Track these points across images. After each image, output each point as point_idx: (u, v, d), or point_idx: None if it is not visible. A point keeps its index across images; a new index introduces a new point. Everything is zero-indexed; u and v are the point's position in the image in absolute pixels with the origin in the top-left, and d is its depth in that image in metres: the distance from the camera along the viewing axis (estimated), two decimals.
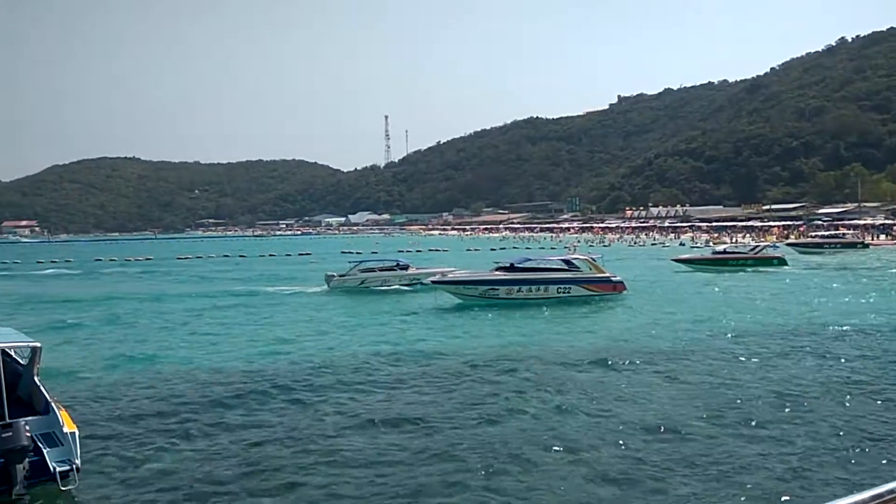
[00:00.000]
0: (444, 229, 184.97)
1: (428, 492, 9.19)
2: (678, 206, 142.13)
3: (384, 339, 21.10)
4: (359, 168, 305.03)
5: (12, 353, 11.57)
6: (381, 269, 37.44)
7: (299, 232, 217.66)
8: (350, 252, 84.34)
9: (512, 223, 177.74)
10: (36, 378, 10.71)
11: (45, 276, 59.09)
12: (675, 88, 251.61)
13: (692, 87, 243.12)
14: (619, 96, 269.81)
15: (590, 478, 9.44)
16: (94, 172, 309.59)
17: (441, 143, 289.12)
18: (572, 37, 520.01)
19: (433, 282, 30.52)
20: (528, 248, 75.56)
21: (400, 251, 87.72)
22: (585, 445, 10.60)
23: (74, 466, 9.34)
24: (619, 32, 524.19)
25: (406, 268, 37.20)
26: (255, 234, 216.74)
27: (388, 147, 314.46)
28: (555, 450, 10.37)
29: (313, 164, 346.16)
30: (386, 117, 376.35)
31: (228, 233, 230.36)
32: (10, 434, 8.84)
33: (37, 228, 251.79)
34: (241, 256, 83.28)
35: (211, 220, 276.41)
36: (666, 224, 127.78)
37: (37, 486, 9.16)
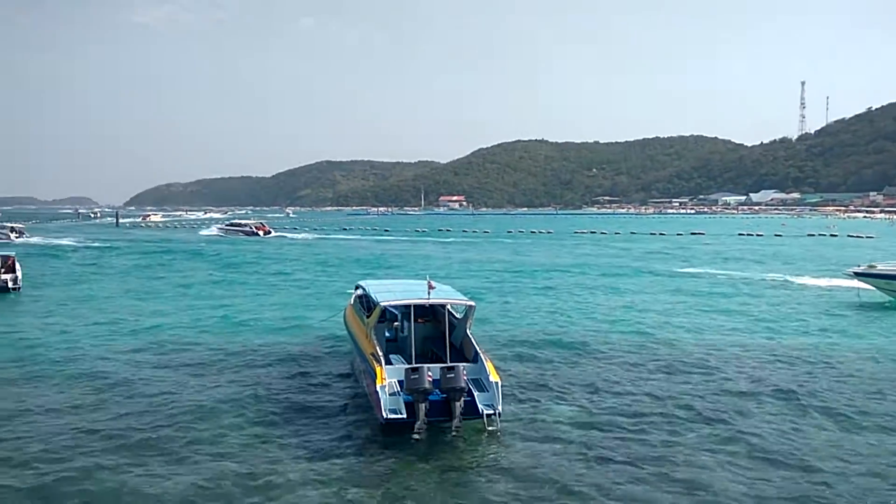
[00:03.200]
0: (871, 211, 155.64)
1: None
2: None
3: None
4: (765, 142, 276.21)
5: (450, 309, 14.19)
6: None
7: (692, 211, 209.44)
8: (750, 234, 78.70)
9: None
10: (468, 331, 13.06)
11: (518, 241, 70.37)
12: None
13: None
14: None
15: None
16: (510, 154, 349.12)
17: (873, 109, 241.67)
18: None
19: (855, 273, 25.90)
20: None
21: (810, 234, 78.44)
22: None
23: (497, 411, 10.97)
24: None
25: None
26: (648, 212, 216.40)
27: (803, 117, 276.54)
28: None
29: (713, 139, 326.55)
30: (802, 84, 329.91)
31: (620, 210, 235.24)
32: (453, 375, 10.99)
33: (464, 203, 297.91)
34: (631, 233, 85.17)
35: (606, 198, 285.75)
36: None
37: (468, 423, 11.00)
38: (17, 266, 29.95)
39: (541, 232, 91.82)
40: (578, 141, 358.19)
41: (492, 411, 11.03)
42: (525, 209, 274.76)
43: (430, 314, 14.68)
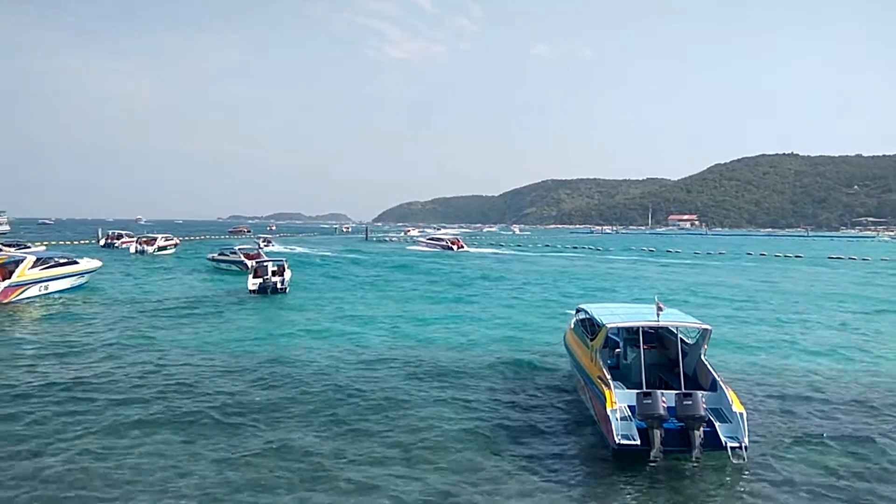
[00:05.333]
0: None
1: None
2: None
3: None
4: None
5: (680, 335, 13.30)
6: None
7: None
8: None
9: None
10: (703, 357, 12.13)
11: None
12: None
13: None
14: None
15: None
16: (752, 170, 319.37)
17: None
18: None
19: None
20: None
21: None
22: None
23: (743, 444, 10.08)
24: None
25: None
26: None
27: None
28: None
29: None
30: None
31: (888, 233, 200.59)
32: (690, 403, 10.12)
33: (696, 222, 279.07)
34: None
35: (870, 219, 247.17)
36: None
37: (709, 455, 10.24)
38: (287, 271, 34.81)
39: (787, 255, 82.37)
40: (836, 154, 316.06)
41: (737, 444, 10.07)
42: (769, 230, 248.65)
43: (656, 340, 13.87)
